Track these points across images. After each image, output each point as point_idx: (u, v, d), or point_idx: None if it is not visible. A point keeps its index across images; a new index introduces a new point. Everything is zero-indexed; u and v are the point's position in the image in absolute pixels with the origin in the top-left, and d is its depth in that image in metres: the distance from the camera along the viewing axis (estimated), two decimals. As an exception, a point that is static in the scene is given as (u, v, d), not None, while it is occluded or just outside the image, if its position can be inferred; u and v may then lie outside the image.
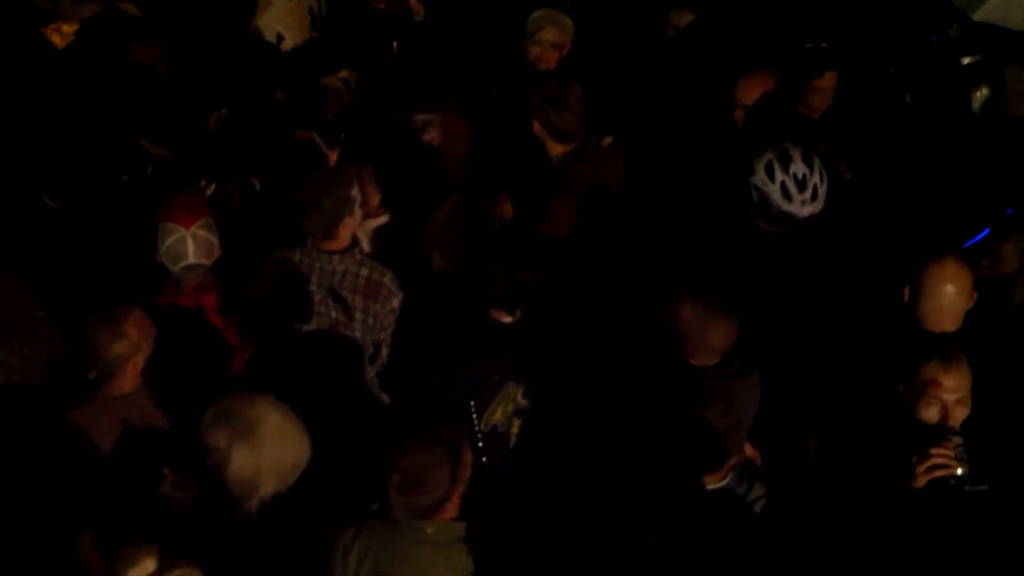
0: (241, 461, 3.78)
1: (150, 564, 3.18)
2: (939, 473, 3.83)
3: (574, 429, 4.58)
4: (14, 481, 4.38)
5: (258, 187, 5.87)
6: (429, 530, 3.73)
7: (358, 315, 5.03)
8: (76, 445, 4.28)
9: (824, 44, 6.30)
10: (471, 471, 3.80)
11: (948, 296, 4.50)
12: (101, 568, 3.68)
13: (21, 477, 4.37)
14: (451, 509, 3.75)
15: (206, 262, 4.94)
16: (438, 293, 5.01)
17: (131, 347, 4.36)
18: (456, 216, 5.02)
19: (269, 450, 3.81)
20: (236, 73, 6.50)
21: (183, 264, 4.90)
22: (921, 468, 3.83)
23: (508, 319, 4.70)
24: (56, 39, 6.87)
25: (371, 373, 5.09)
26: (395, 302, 5.05)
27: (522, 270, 4.79)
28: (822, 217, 5.32)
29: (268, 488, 3.82)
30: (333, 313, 5.00)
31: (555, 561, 3.80)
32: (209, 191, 5.65)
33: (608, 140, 5.79)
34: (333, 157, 5.86)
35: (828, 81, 6.04)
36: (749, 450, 4.14)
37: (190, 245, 4.88)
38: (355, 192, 5.03)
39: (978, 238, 5.35)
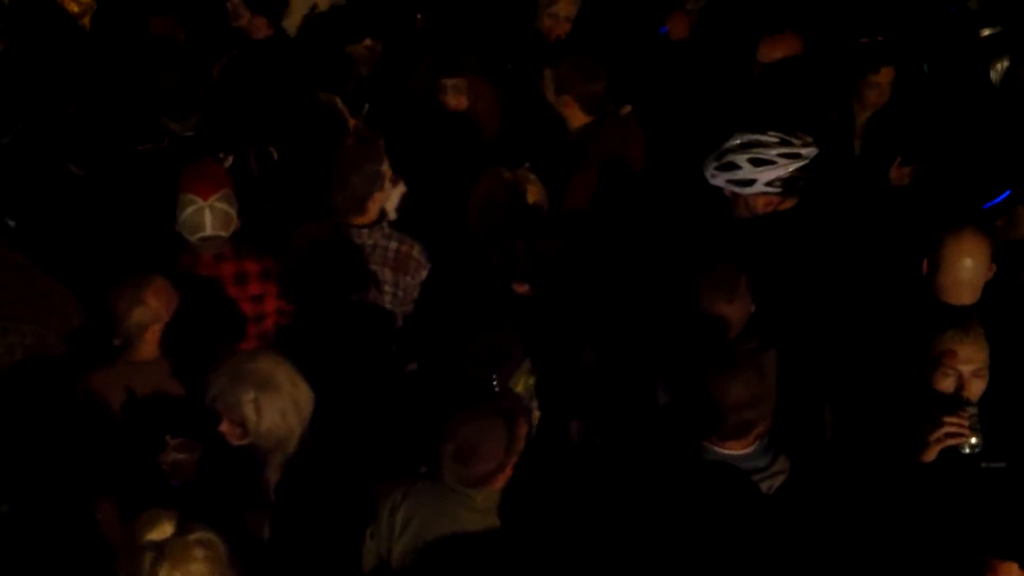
0: (272, 411, 3.83)
1: (168, 528, 3.19)
2: (952, 442, 3.80)
3: (593, 402, 4.60)
4: (35, 446, 4.43)
5: (276, 156, 5.88)
6: (478, 498, 3.77)
7: (387, 288, 5.05)
8: (95, 409, 4.32)
9: (880, 38, 6.27)
10: (525, 444, 3.82)
11: (966, 269, 4.48)
12: (120, 532, 3.72)
13: (42, 441, 4.42)
14: (502, 480, 3.79)
15: (223, 234, 4.93)
16: (460, 264, 5.02)
17: (150, 315, 4.39)
18: (495, 192, 5.02)
19: (288, 395, 3.88)
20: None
21: (200, 235, 4.89)
22: (933, 436, 3.81)
23: (530, 291, 4.71)
24: (73, 7, 6.89)
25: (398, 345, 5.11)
26: (424, 274, 5.08)
27: (543, 242, 4.79)
28: (841, 190, 5.32)
29: (295, 436, 3.89)
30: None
31: (583, 529, 3.84)
32: (227, 163, 5.67)
33: (626, 109, 5.81)
34: (353, 124, 5.86)
35: (884, 76, 5.98)
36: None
37: (207, 217, 4.87)
38: (384, 167, 5.05)
39: (998, 200, 5.33)
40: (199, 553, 3.16)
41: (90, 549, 4.10)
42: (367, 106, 5.91)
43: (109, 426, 4.31)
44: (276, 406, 3.84)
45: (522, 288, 4.70)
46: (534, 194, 5.03)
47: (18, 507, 4.39)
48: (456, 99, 5.92)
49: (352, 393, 4.53)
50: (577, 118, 5.69)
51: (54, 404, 4.45)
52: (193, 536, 3.18)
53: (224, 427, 3.87)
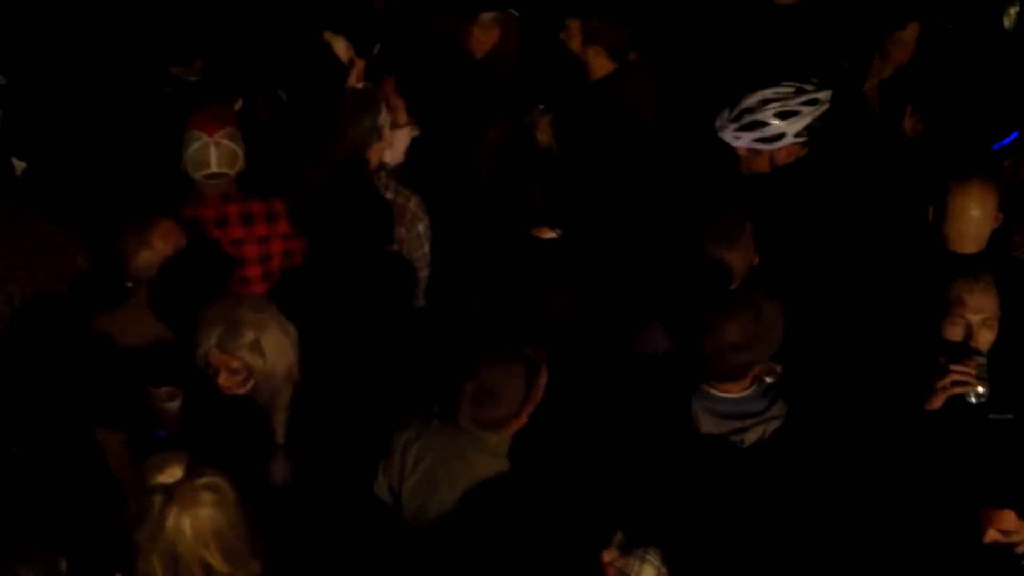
0: (274, 349, 3.86)
1: (177, 472, 3.20)
2: (958, 390, 3.81)
3: (612, 345, 4.61)
4: (42, 389, 4.45)
5: (285, 99, 5.85)
6: (491, 441, 3.79)
7: None
8: (101, 349, 4.34)
9: None
10: (544, 393, 3.84)
11: (972, 218, 4.45)
12: (129, 472, 3.74)
13: (49, 384, 4.44)
14: (516, 426, 3.80)
15: (229, 172, 4.90)
16: (479, 210, 5.01)
17: (157, 257, 4.39)
18: (506, 140, 5.01)
19: (281, 331, 3.90)
20: None
21: (205, 172, 4.86)
22: (940, 384, 3.82)
23: (551, 235, 4.71)
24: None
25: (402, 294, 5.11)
26: (421, 227, 5.06)
27: (562, 186, 4.78)
28: (849, 137, 5.29)
29: (296, 370, 3.92)
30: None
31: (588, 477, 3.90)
32: (237, 106, 5.64)
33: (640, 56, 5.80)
34: (360, 66, 5.80)
35: (910, 32, 5.90)
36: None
37: (213, 153, 4.83)
38: (383, 118, 5.03)
39: (1007, 141, 5.30)
40: (208, 497, 3.17)
41: (100, 491, 4.13)
42: (377, 47, 5.84)
43: (115, 367, 4.31)
44: (276, 343, 3.87)
45: (547, 233, 4.69)
46: (544, 137, 5.02)
47: (28, 448, 4.42)
48: (488, 33, 5.87)
49: (360, 334, 4.53)
50: (602, 67, 5.68)
51: (59, 347, 4.46)
52: (202, 480, 3.19)
53: (223, 378, 3.88)
